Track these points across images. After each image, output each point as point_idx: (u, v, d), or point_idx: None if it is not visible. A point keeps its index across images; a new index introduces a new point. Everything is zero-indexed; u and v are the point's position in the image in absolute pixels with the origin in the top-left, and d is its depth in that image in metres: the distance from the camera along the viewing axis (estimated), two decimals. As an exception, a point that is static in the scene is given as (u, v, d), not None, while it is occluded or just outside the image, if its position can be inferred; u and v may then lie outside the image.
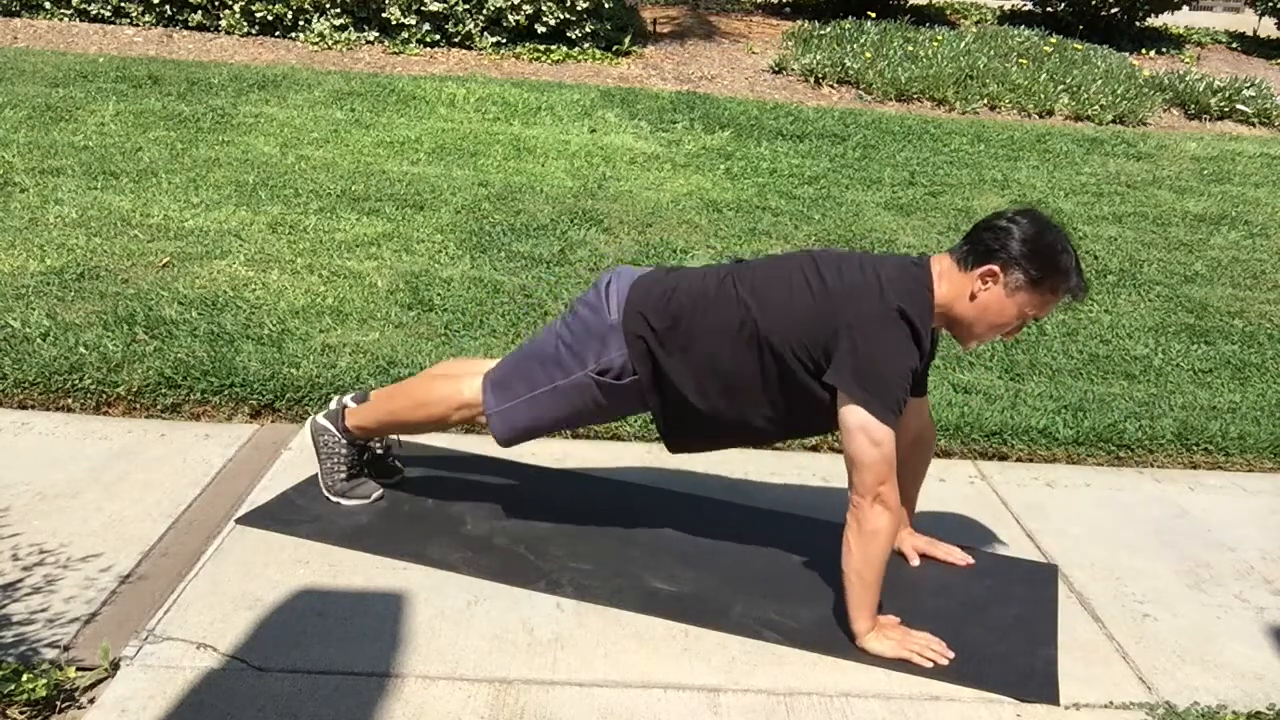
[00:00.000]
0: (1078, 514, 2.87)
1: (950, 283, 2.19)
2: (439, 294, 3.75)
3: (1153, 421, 3.32)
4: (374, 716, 1.89)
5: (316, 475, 2.65)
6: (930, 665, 2.13)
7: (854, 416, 2.08)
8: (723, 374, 2.22)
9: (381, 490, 2.60)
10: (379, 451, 2.67)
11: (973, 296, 2.17)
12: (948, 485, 2.96)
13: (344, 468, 2.56)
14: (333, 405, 2.59)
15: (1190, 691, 2.16)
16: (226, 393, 3.01)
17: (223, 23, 7.32)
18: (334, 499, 2.56)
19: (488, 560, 2.39)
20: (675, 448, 2.40)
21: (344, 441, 2.54)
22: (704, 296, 2.24)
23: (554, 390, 2.31)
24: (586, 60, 7.45)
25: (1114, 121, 7.20)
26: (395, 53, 7.22)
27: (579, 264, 4.15)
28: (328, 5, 7.27)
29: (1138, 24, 9.78)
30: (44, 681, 1.86)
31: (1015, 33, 8.55)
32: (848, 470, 2.12)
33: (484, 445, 2.90)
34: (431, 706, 1.93)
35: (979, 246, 2.17)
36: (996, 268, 2.14)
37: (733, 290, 2.23)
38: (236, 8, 7.26)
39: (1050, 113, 7.28)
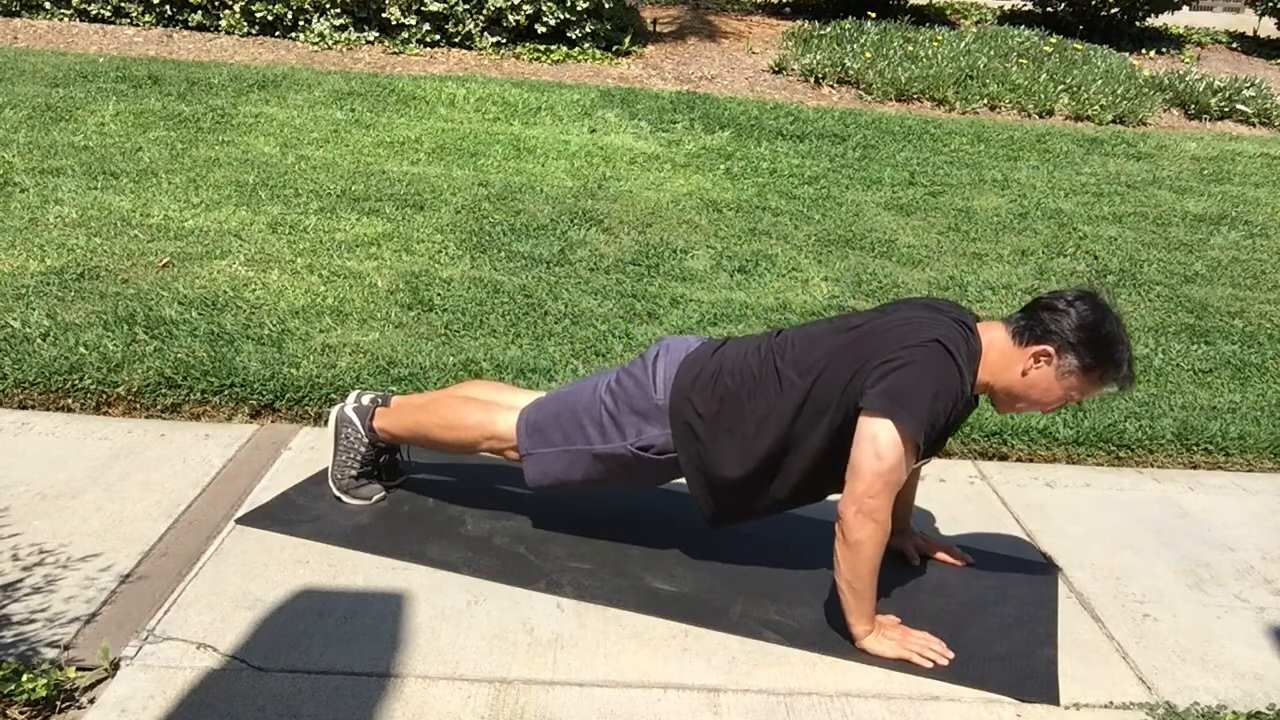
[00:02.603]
0: (1078, 514, 2.87)
1: (1001, 354, 2.18)
2: (439, 294, 3.75)
3: (1153, 421, 3.32)
4: (374, 716, 1.89)
5: (315, 475, 2.66)
6: (930, 665, 2.14)
7: (868, 427, 2.06)
8: (772, 453, 2.20)
9: (385, 493, 2.60)
10: (399, 458, 2.67)
11: (1024, 373, 2.17)
12: (948, 485, 2.96)
13: (357, 466, 2.55)
14: (364, 400, 2.58)
15: (1190, 691, 2.16)
16: (226, 393, 3.01)
17: (223, 23, 7.32)
18: (337, 493, 2.56)
19: (488, 560, 2.39)
20: (719, 523, 2.36)
21: (366, 440, 2.54)
22: (750, 378, 2.22)
23: (591, 453, 2.31)
24: (586, 60, 7.45)
25: (1114, 121, 7.20)
26: (395, 53, 7.22)
27: (579, 264, 4.15)
28: (328, 5, 7.27)
29: (1138, 24, 9.78)
30: (44, 681, 1.86)
31: (1015, 33, 8.55)
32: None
33: (484, 445, 2.90)
34: (431, 706, 1.93)
35: (1036, 326, 2.16)
36: (1051, 349, 2.14)
37: (774, 368, 2.21)
38: (236, 8, 7.27)
39: (1050, 113, 7.28)
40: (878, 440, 2.04)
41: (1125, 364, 2.16)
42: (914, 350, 2.09)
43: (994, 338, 2.20)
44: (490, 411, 2.42)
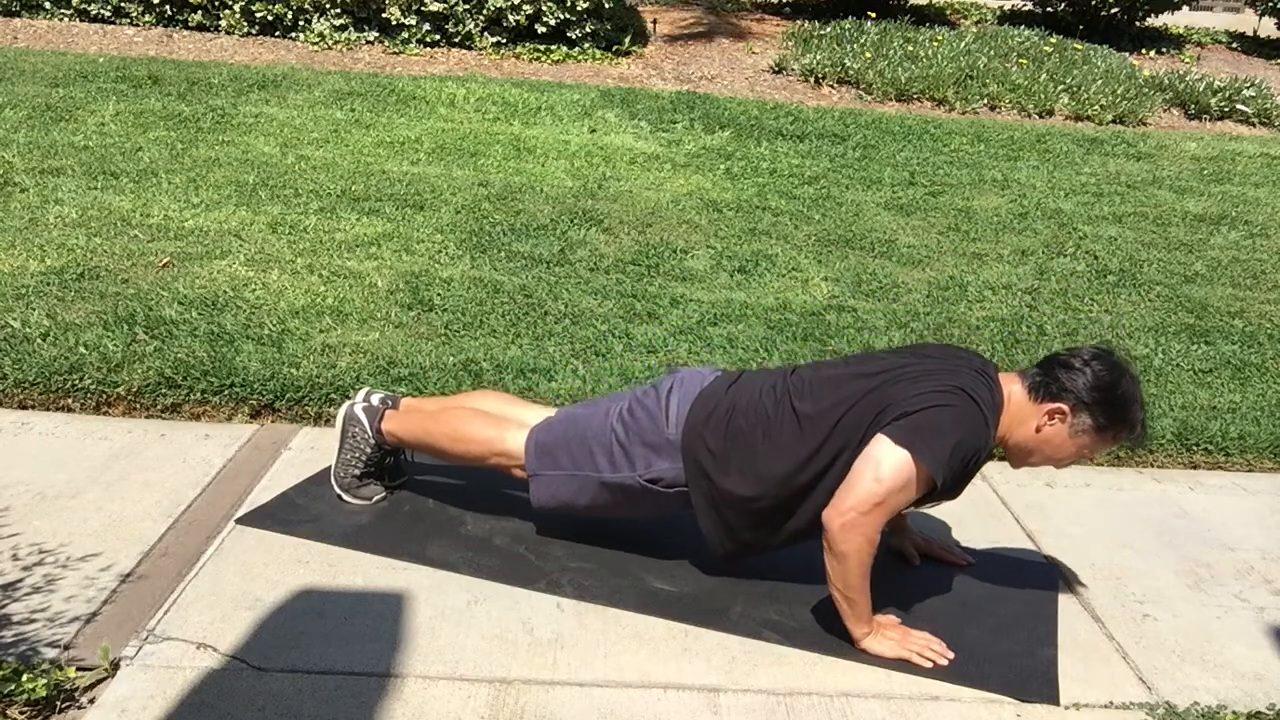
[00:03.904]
0: (1078, 514, 2.87)
1: (1018, 408, 2.19)
2: (439, 294, 3.75)
3: (1153, 421, 3.32)
4: (374, 716, 1.89)
5: (315, 476, 2.66)
6: (930, 665, 2.14)
7: (878, 448, 2.05)
8: (788, 493, 2.19)
9: (385, 494, 2.60)
10: (402, 459, 2.66)
11: (1038, 429, 2.17)
12: (948, 485, 2.96)
13: (361, 465, 2.55)
14: (374, 400, 2.58)
15: (1190, 691, 2.16)
16: (226, 393, 3.01)
17: (223, 23, 7.32)
18: (338, 490, 2.56)
19: (488, 560, 2.39)
20: (731, 559, 2.35)
21: (373, 442, 2.53)
22: (764, 418, 2.22)
23: (599, 481, 2.31)
24: (586, 60, 7.45)
25: (1114, 121, 7.20)
26: (395, 53, 7.22)
27: (579, 264, 4.15)
28: (328, 5, 7.27)
29: (1138, 24, 9.78)
30: (44, 681, 1.86)
31: (1015, 33, 8.55)
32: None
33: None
34: (431, 706, 1.93)
35: (1052, 383, 2.17)
36: (1066, 408, 2.15)
37: (790, 408, 2.21)
38: (236, 8, 7.26)
39: (1050, 113, 7.28)
40: (882, 463, 2.04)
41: (1139, 424, 2.17)
42: (943, 395, 2.09)
43: (1011, 391, 2.20)
44: (500, 428, 2.42)
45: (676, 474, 2.26)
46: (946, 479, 2.05)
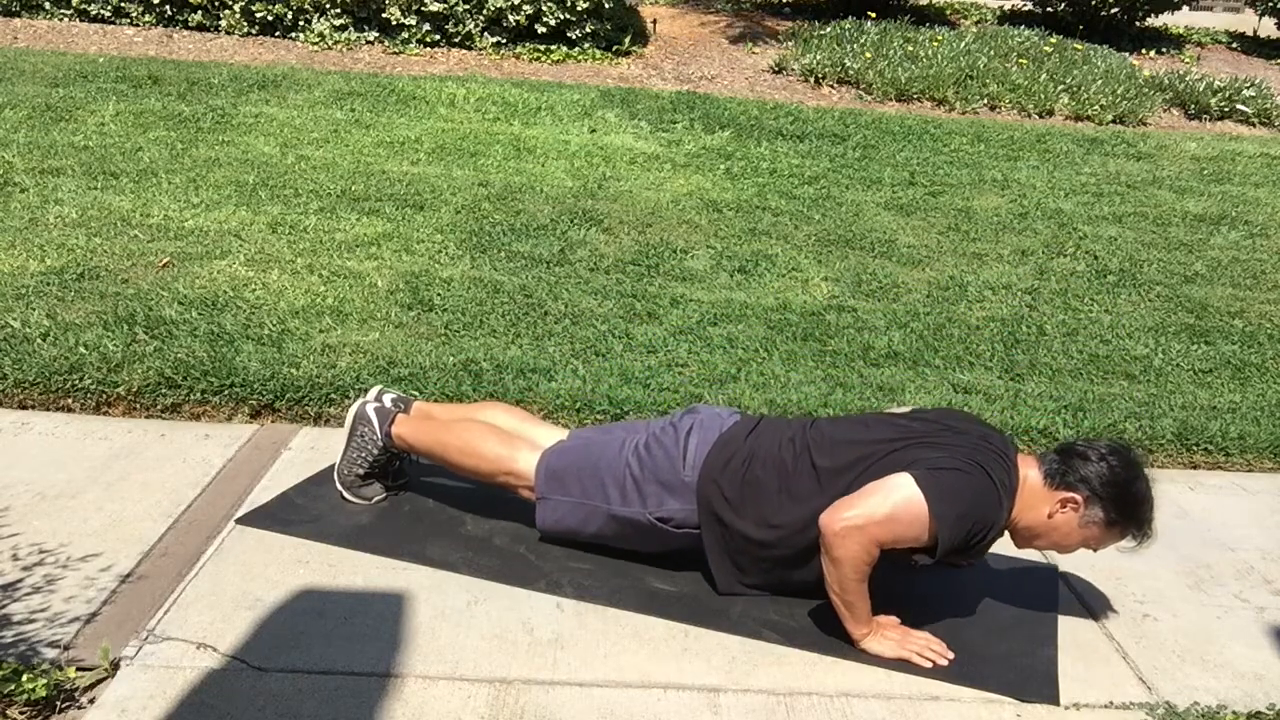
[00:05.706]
0: (1078, 514, 2.87)
1: (1032, 492, 2.20)
2: (439, 294, 3.75)
3: (1153, 421, 3.32)
4: (374, 716, 1.89)
5: (315, 476, 2.66)
6: (930, 665, 2.14)
7: (895, 477, 2.07)
8: (804, 545, 2.19)
9: (385, 495, 2.60)
10: (407, 460, 2.66)
11: (1049, 515, 2.19)
12: (948, 485, 2.95)
13: (366, 465, 2.55)
14: (386, 401, 2.57)
15: (1190, 691, 2.16)
16: (226, 393, 3.01)
17: (223, 23, 7.32)
18: (340, 488, 2.56)
19: (488, 560, 2.39)
20: (728, 591, 2.34)
21: (381, 444, 2.53)
22: (783, 471, 2.23)
23: (608, 513, 2.32)
24: (586, 60, 7.45)
25: (1114, 121, 7.20)
26: (395, 53, 7.22)
27: (579, 264, 4.15)
28: (328, 5, 7.27)
29: (1138, 24, 9.78)
30: (44, 681, 1.86)
31: (1015, 33, 8.54)
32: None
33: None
34: (431, 706, 1.93)
35: (1069, 473, 2.18)
36: (1079, 498, 2.17)
37: (810, 463, 2.22)
38: (236, 8, 7.26)
39: (1050, 113, 7.28)
40: (895, 491, 2.05)
41: (1147, 524, 2.19)
42: (965, 464, 2.10)
43: (1027, 475, 2.22)
44: (512, 446, 2.42)
45: (687, 515, 2.27)
46: (948, 544, 2.07)
